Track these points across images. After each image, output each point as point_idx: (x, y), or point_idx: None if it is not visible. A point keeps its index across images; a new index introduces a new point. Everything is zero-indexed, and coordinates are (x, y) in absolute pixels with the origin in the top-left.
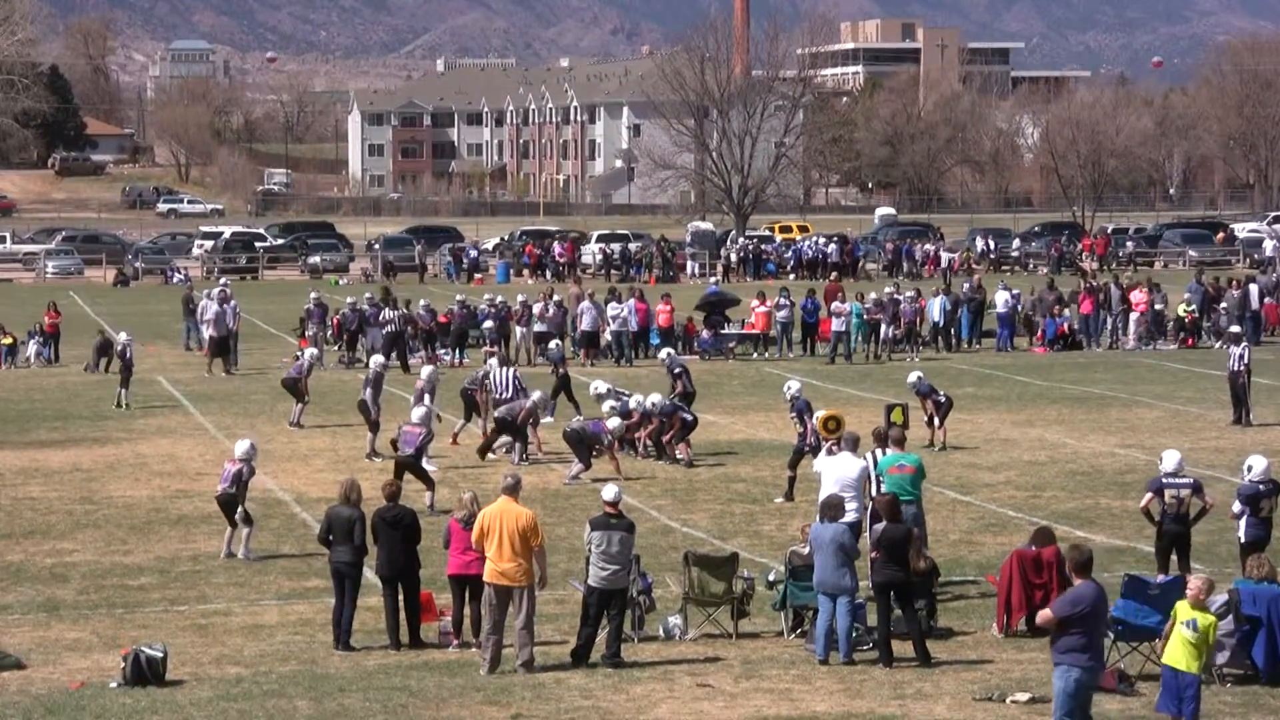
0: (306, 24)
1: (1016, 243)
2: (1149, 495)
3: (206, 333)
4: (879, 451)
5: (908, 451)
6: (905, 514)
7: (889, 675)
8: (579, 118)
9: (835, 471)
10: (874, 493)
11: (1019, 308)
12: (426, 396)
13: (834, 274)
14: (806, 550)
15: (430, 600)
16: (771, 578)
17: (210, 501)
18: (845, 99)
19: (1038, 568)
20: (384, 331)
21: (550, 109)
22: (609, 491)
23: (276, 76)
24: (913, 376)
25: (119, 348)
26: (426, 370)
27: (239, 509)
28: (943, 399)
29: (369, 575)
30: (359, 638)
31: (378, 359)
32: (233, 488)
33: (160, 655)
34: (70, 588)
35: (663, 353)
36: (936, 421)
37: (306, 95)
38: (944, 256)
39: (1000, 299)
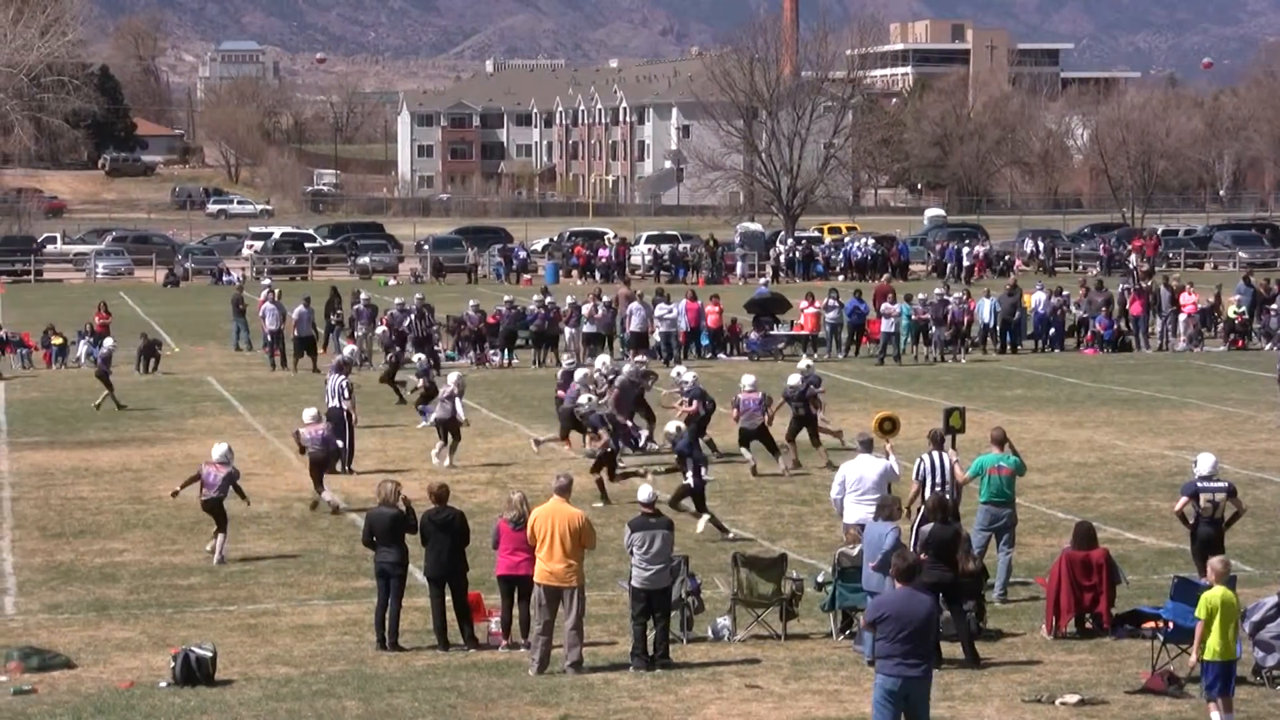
0: (356, 25)
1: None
2: (1184, 499)
3: (271, 330)
4: (935, 454)
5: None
6: (1000, 516)
7: (937, 677)
8: (628, 118)
9: (855, 472)
10: (926, 494)
11: (1068, 309)
12: (455, 401)
13: (885, 275)
14: (855, 551)
15: (479, 600)
16: (820, 579)
17: (260, 501)
18: (894, 100)
19: (1087, 569)
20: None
21: (599, 110)
22: (644, 492)
23: (326, 77)
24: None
25: (104, 351)
26: (454, 376)
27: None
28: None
29: (416, 575)
30: (407, 638)
31: (456, 376)
32: (221, 493)
33: (209, 655)
34: (120, 587)
35: (674, 370)
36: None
37: (356, 96)
38: (978, 253)
39: (1037, 300)
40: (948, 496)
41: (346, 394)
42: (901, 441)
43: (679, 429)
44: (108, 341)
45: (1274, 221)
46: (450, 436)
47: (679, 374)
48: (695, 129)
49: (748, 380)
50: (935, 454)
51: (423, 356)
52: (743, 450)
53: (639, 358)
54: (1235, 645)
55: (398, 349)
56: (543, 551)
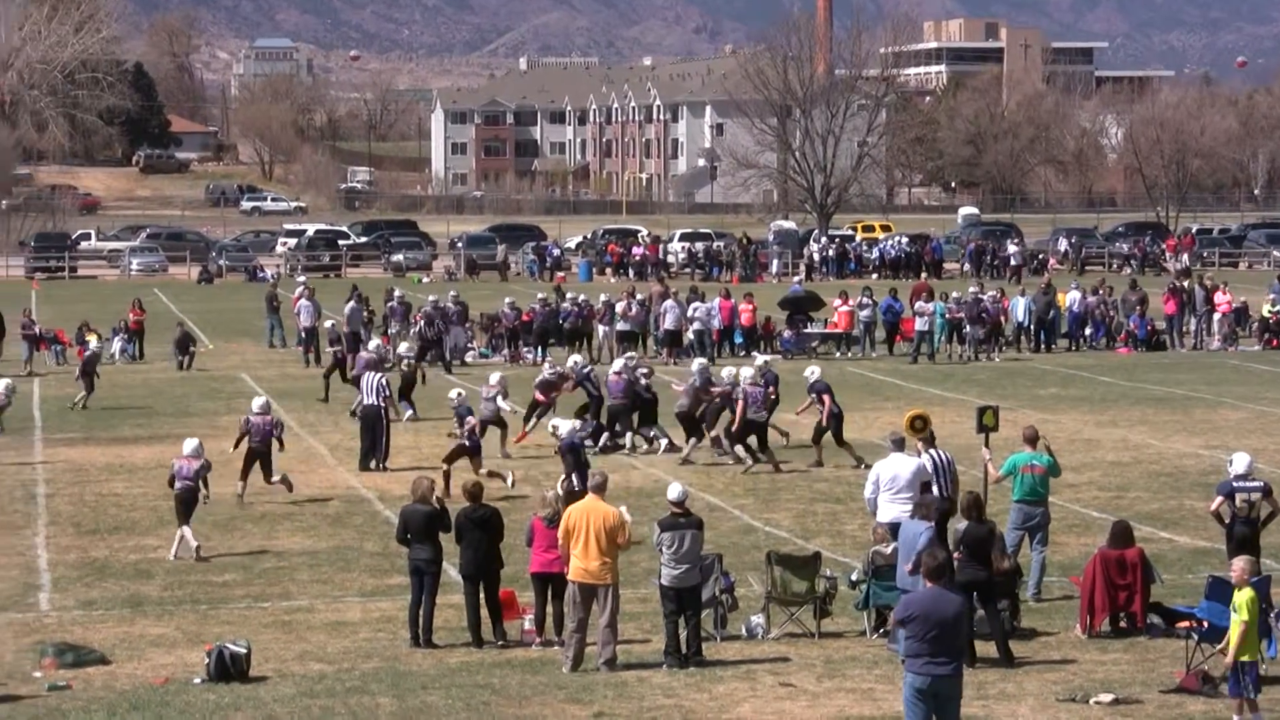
0: (390, 22)
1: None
2: (1219, 499)
3: (306, 327)
4: (936, 452)
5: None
6: (1033, 514)
7: (971, 675)
8: (662, 116)
9: (889, 471)
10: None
11: (1103, 307)
12: (498, 400)
13: (922, 273)
14: (889, 550)
15: (512, 598)
16: (854, 577)
17: (295, 498)
18: (928, 98)
19: (1121, 569)
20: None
21: (633, 107)
22: (674, 491)
23: (360, 75)
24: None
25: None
26: (495, 375)
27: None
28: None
29: (450, 572)
30: (441, 635)
31: (498, 377)
32: (196, 483)
33: (244, 651)
34: (155, 584)
35: (696, 364)
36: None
37: (389, 93)
38: (1012, 253)
39: (1071, 299)
40: (947, 494)
41: (386, 391)
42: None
43: (572, 426)
44: (93, 342)
45: None
46: (501, 428)
47: (732, 372)
48: (729, 127)
49: (746, 372)
50: (936, 452)
51: (407, 345)
52: (738, 449)
53: (629, 354)
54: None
55: (340, 348)
56: (578, 549)
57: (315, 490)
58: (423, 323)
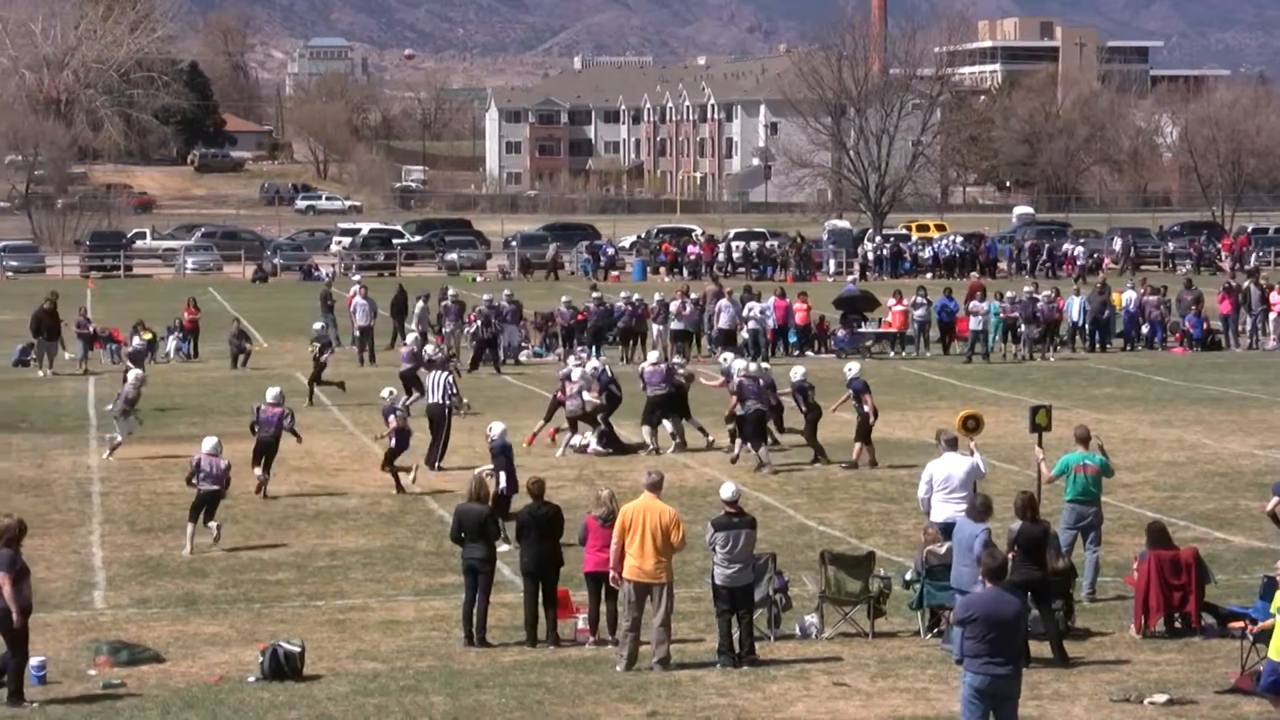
0: (444, 22)
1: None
2: (1275, 499)
3: (361, 325)
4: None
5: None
6: (1086, 514)
7: (1026, 675)
8: (716, 115)
9: (943, 471)
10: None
11: (1162, 308)
12: (584, 395)
13: (975, 272)
14: (943, 550)
15: (566, 597)
16: (908, 577)
17: (348, 497)
18: (983, 97)
19: (1176, 569)
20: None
21: (687, 107)
22: (727, 490)
23: (414, 74)
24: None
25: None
26: (577, 371)
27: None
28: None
29: (504, 571)
30: (495, 634)
31: (597, 364)
32: (219, 485)
33: (297, 650)
34: (209, 582)
35: (725, 358)
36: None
37: (444, 93)
38: (1078, 253)
39: (1127, 298)
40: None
41: (453, 390)
42: (989, 440)
43: (504, 428)
44: (137, 341)
45: None
46: (601, 422)
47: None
48: (783, 126)
49: (740, 365)
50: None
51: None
52: (737, 442)
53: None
54: None
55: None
56: (633, 548)
57: (370, 490)
58: (479, 322)
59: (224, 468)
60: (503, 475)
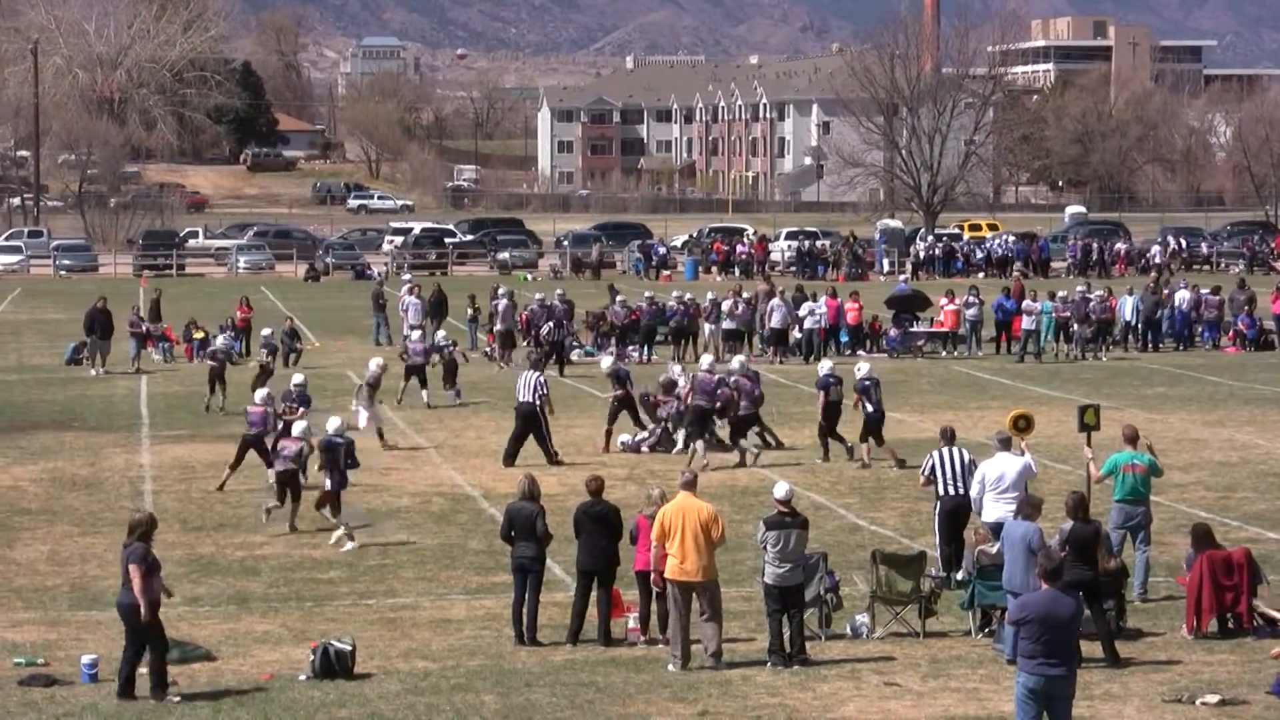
0: (497, 21)
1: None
2: None
3: (413, 324)
4: (946, 449)
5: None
6: (1135, 514)
7: (1077, 675)
8: (768, 115)
9: (995, 470)
10: (938, 490)
11: (1223, 307)
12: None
13: (1012, 273)
14: (995, 549)
15: (618, 596)
16: (959, 576)
17: (399, 495)
18: (1035, 97)
19: (1228, 569)
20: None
21: (739, 106)
22: (780, 489)
23: (466, 73)
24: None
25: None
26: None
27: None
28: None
29: (554, 570)
30: (545, 633)
31: (677, 369)
32: (296, 465)
33: (349, 648)
34: (260, 581)
35: (735, 361)
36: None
37: (496, 92)
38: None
39: (1180, 298)
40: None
41: (544, 390)
42: (1040, 440)
43: (339, 423)
44: (220, 340)
45: None
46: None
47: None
48: (835, 125)
49: (737, 361)
50: (947, 449)
51: (444, 333)
52: (740, 443)
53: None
54: None
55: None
56: (674, 547)
57: (420, 489)
58: (550, 323)
59: (296, 450)
60: (330, 471)
